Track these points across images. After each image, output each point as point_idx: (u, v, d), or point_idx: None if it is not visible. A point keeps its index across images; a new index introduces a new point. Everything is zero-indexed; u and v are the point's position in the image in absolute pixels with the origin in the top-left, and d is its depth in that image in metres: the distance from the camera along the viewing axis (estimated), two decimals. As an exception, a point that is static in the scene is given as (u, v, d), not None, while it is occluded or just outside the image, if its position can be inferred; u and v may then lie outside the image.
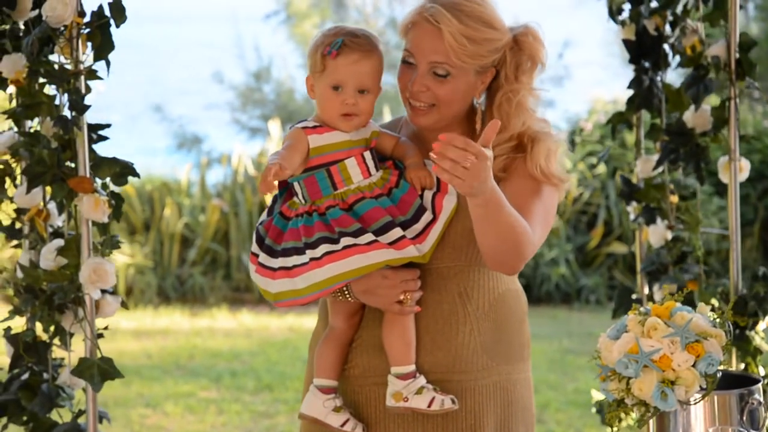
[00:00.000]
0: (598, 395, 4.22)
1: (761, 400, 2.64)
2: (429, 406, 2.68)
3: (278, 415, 6.91)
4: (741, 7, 3.71)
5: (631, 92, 3.96)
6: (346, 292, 2.68)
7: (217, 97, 14.76)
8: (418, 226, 2.66)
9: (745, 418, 2.61)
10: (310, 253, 2.60)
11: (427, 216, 2.67)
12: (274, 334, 9.40)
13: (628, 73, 4.05)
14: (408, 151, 2.74)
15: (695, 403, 2.58)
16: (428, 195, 2.69)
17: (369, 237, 2.59)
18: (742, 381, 2.73)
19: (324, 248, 2.59)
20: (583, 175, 10.96)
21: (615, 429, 3.92)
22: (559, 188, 2.78)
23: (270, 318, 10.13)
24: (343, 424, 2.72)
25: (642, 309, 2.65)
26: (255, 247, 2.71)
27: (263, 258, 2.67)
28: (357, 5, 14.77)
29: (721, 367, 2.60)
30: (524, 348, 2.88)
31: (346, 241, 2.59)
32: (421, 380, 2.70)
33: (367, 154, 2.69)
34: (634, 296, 4.05)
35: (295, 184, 2.67)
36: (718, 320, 2.62)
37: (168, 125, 14.44)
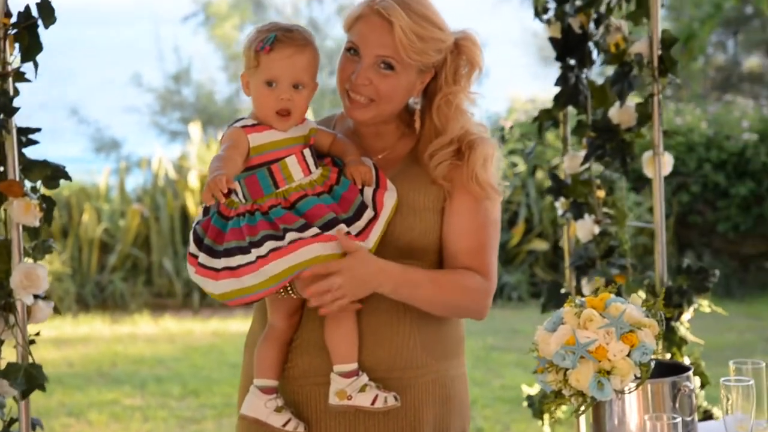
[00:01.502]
0: (528, 390, 4.27)
1: (691, 387, 2.69)
2: (372, 403, 2.69)
3: (205, 420, 6.87)
4: (662, 5, 3.77)
5: (557, 90, 4.00)
6: (290, 289, 2.67)
7: (135, 100, 14.62)
8: (360, 224, 2.67)
9: (677, 404, 2.66)
10: (255, 252, 2.58)
11: (368, 213, 2.68)
12: (198, 339, 9.34)
13: (545, 72, 4.11)
14: (346, 148, 2.75)
15: (631, 392, 2.62)
16: (368, 192, 2.70)
17: (314, 230, 2.58)
18: (672, 369, 2.79)
19: (270, 245, 2.57)
20: (504, 173, 11.05)
21: (548, 421, 3.98)
22: (497, 201, 2.81)
23: (193, 323, 10.07)
24: (284, 424, 2.72)
25: (578, 301, 2.69)
26: (193, 248, 2.68)
27: (203, 258, 2.64)
28: (277, 6, 14.74)
29: (653, 357, 2.65)
30: (460, 344, 2.91)
31: (291, 236, 2.58)
32: (364, 378, 2.70)
33: (307, 152, 2.68)
34: (562, 290, 4.10)
35: (235, 184, 2.65)
36: (650, 311, 2.67)
37: (85, 128, 14.27)
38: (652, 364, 2.61)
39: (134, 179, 11.80)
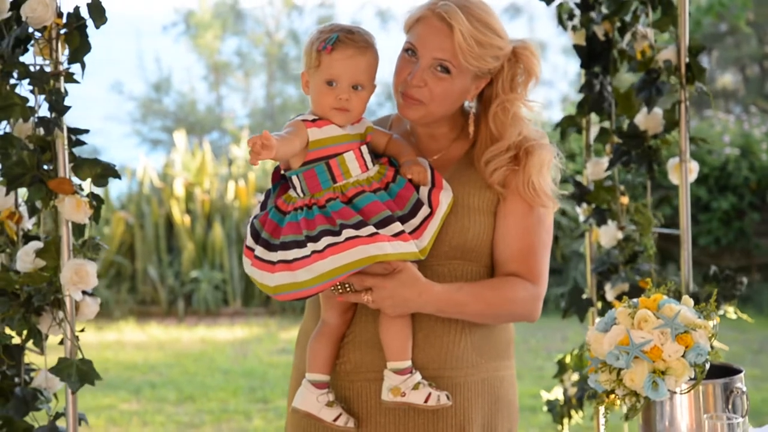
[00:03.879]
0: (547, 395, 4.30)
1: (743, 389, 2.72)
2: (426, 401, 2.71)
3: (203, 425, 6.86)
4: (690, 13, 3.83)
5: (581, 96, 4.05)
6: (347, 286, 2.70)
7: (116, 109, 14.58)
8: (415, 221, 2.69)
9: (730, 406, 2.69)
10: (311, 246, 2.60)
11: (424, 211, 2.70)
12: (187, 346, 9.32)
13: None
14: (402, 148, 2.78)
15: (685, 393, 2.65)
16: (424, 191, 2.73)
17: (370, 229, 2.60)
18: (725, 371, 2.82)
19: (326, 240, 2.59)
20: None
21: (568, 426, 4.01)
22: (549, 209, 2.84)
23: (179, 330, 10.05)
24: (335, 419, 2.74)
25: (631, 302, 2.72)
26: (250, 241, 2.69)
27: (260, 252, 2.66)
28: (257, 17, 14.75)
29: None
30: (509, 345, 2.93)
31: (348, 232, 2.59)
32: (418, 376, 2.72)
33: (364, 149, 2.71)
34: (584, 296, 4.14)
35: (294, 178, 2.68)
36: (703, 312, 2.71)
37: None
38: (707, 365, 2.65)
39: (118, 187, 11.76)
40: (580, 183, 4.12)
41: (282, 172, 2.77)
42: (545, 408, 4.27)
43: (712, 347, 3.81)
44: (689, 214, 3.85)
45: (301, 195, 2.68)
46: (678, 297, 3.86)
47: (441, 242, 2.75)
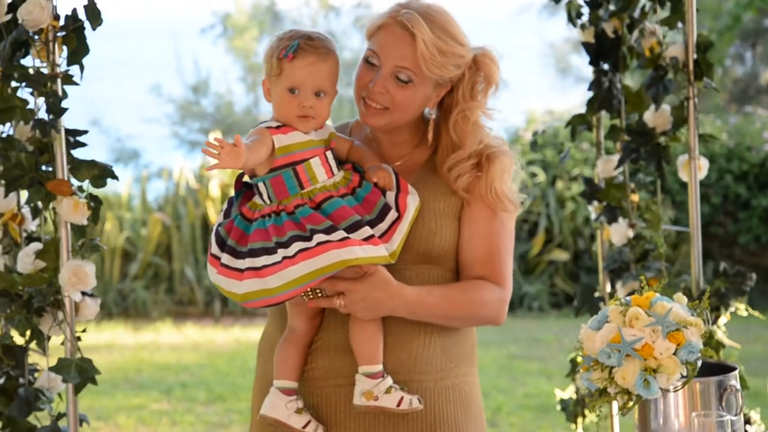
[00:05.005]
0: (561, 394, 4.28)
1: (738, 386, 2.71)
2: (398, 405, 2.72)
3: (232, 425, 6.90)
4: (697, 10, 3.80)
5: (576, 100, 4.03)
6: (318, 291, 2.70)
7: (155, 111, 14.69)
8: (383, 225, 2.70)
9: (723, 404, 2.67)
10: (282, 252, 2.60)
11: (392, 215, 2.71)
12: (221, 347, 9.37)
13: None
14: (365, 154, 2.79)
15: (677, 390, 2.64)
16: (390, 195, 2.74)
17: (341, 234, 2.61)
18: (717, 369, 2.81)
19: (297, 246, 2.59)
20: (523, 184, 11.06)
21: (594, 417, 3.98)
22: (512, 214, 2.85)
23: (215, 331, 10.10)
24: (305, 426, 2.73)
25: (622, 299, 2.71)
26: (215, 249, 2.69)
27: (226, 259, 2.65)
28: (294, 18, 14.80)
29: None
30: (473, 350, 2.95)
31: (319, 237, 2.60)
32: (389, 380, 2.73)
33: (329, 154, 2.72)
34: (596, 294, 4.12)
35: (260, 185, 2.68)
36: (695, 310, 2.69)
37: (105, 139, 14.34)
38: (699, 362, 2.63)
39: (155, 188, 11.83)
40: (591, 181, 4.10)
41: (245, 179, 2.77)
42: (558, 407, 4.25)
43: (721, 345, 3.79)
44: (699, 211, 3.82)
45: (268, 202, 2.68)
46: (689, 295, 3.84)
47: (408, 247, 2.76)
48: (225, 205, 2.78)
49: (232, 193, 2.80)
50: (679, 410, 2.67)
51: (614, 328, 2.64)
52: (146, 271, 11.12)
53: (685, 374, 2.61)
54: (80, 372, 3.08)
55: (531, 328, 9.91)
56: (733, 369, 2.78)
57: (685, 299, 2.71)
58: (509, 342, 9.20)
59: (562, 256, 10.92)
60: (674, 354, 2.60)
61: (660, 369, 2.60)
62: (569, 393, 4.24)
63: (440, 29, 2.71)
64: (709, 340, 3.77)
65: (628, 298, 2.71)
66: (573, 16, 4.07)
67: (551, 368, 8.09)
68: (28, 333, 3.17)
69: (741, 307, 3.81)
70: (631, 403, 2.64)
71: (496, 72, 2.81)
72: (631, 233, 4.02)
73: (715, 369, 2.82)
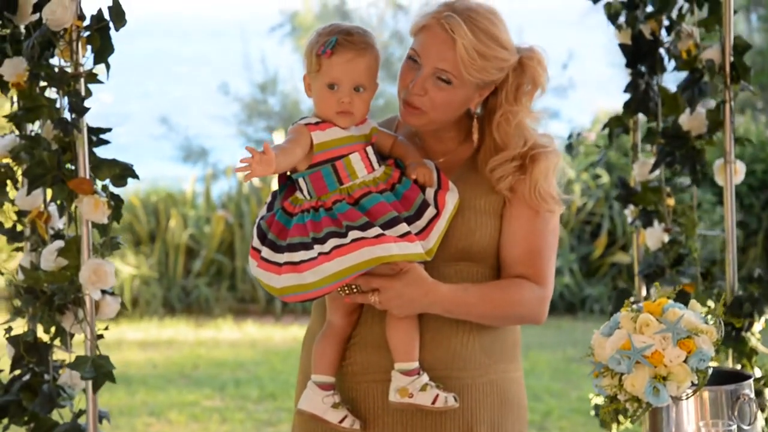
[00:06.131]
0: (597, 399, 4.24)
1: (752, 396, 2.66)
2: (433, 403, 2.71)
3: (281, 423, 6.94)
4: (735, 11, 3.74)
5: (627, 96, 3.99)
6: (354, 288, 2.70)
7: (222, 110, 14.79)
8: (421, 223, 2.70)
9: (736, 413, 2.63)
10: (318, 248, 2.61)
11: (430, 212, 2.70)
12: (278, 345, 9.42)
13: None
14: (407, 150, 2.79)
15: (687, 398, 2.60)
16: (430, 192, 2.73)
17: (377, 230, 2.61)
18: (735, 378, 2.76)
19: (332, 242, 2.61)
20: (586, 185, 10.99)
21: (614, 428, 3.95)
22: (556, 213, 2.83)
23: (274, 329, 10.16)
24: (341, 421, 2.75)
25: (635, 306, 2.68)
26: (257, 242, 2.72)
27: (266, 253, 2.68)
28: (362, 17, 14.80)
29: (713, 364, 2.63)
30: (516, 347, 2.92)
31: (354, 234, 2.61)
32: (425, 377, 2.73)
33: (370, 150, 2.73)
34: (631, 299, 4.07)
35: (300, 180, 2.70)
36: (709, 317, 2.65)
37: (174, 137, 14.47)
38: (710, 370, 2.59)
39: (219, 186, 11.92)
40: (627, 184, 4.06)
41: (288, 174, 2.79)
42: (592, 412, 4.21)
43: (754, 352, 3.73)
44: (734, 216, 3.77)
45: (308, 197, 2.70)
46: (723, 301, 3.77)
47: (447, 244, 2.74)
48: (269, 198, 2.81)
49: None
50: (690, 419, 2.64)
51: (624, 335, 2.62)
52: (209, 268, 11.22)
53: (696, 382, 2.57)
54: (97, 369, 3.11)
55: (591, 331, 9.78)
56: (747, 378, 2.73)
57: (699, 306, 2.68)
58: (567, 344, 9.13)
59: (624, 258, 10.81)
60: (685, 361, 2.57)
61: (670, 377, 2.57)
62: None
63: (483, 32, 2.69)
64: (742, 347, 3.72)
65: (640, 304, 2.68)
66: (612, 17, 4.03)
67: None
68: (52, 330, 3.22)
69: (777, 315, 3.75)
70: (640, 411, 2.62)
71: (542, 75, 2.78)
72: (666, 238, 3.97)
73: (731, 377, 2.77)
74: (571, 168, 10.66)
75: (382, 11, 14.98)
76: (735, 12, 3.74)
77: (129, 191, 11.30)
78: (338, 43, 2.67)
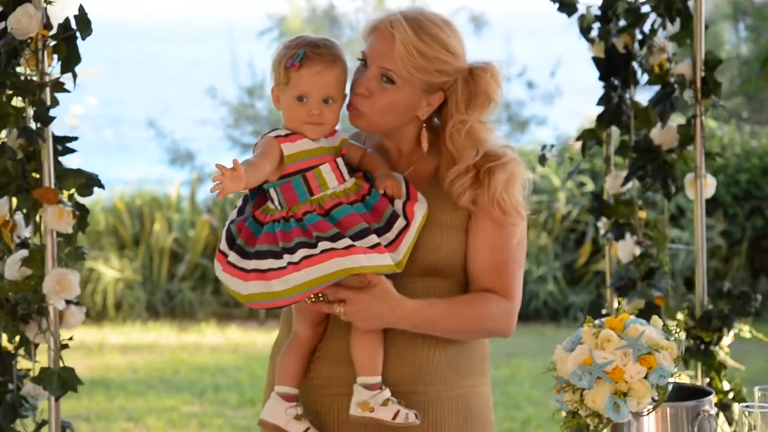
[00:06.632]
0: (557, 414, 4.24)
1: (712, 412, 2.66)
2: (394, 418, 2.71)
3: (259, 429, 6.92)
4: (706, 27, 3.76)
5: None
6: (321, 295, 2.70)
7: (210, 113, 14.79)
8: (390, 235, 2.70)
9: (696, 429, 2.63)
10: (288, 258, 2.62)
11: (399, 223, 2.71)
12: (260, 350, 9.41)
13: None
14: (376, 162, 2.79)
15: (647, 415, 2.60)
16: (398, 203, 2.73)
17: (347, 242, 2.62)
18: (696, 393, 2.76)
19: (302, 252, 2.61)
20: (571, 193, 11.00)
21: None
22: (520, 225, 2.82)
23: (257, 334, 10.15)
24: None
25: (597, 321, 2.68)
26: (224, 246, 2.71)
27: (233, 258, 2.67)
28: (350, 22, 14.80)
29: (673, 380, 2.63)
30: (484, 361, 2.92)
31: (323, 245, 2.61)
32: (387, 392, 2.72)
33: (340, 161, 2.73)
34: (603, 311, 4.08)
35: (271, 191, 2.70)
36: (672, 332, 2.65)
37: (161, 140, 14.46)
38: (670, 387, 2.59)
39: (205, 190, 11.90)
40: (599, 196, 4.06)
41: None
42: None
43: (723, 366, 3.73)
44: (704, 230, 3.77)
45: (279, 208, 2.70)
46: (693, 316, 3.78)
47: (414, 260, 2.74)
48: (239, 202, 2.81)
49: None
50: (651, 435, 2.64)
51: (586, 350, 2.62)
52: (193, 272, 11.21)
53: (656, 398, 2.58)
54: (61, 382, 3.10)
55: (574, 339, 9.81)
56: (708, 393, 2.73)
57: (660, 322, 2.68)
58: (549, 352, 9.03)
59: (608, 266, 10.82)
60: (645, 378, 2.57)
61: (630, 393, 2.57)
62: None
63: (425, 33, 2.70)
64: (711, 361, 3.72)
65: (602, 320, 2.68)
66: (585, 30, 4.03)
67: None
68: (16, 339, 3.21)
69: (745, 329, 3.76)
70: (601, 426, 2.62)
71: (495, 89, 2.78)
72: (637, 251, 3.97)
73: (692, 393, 2.77)
74: (556, 176, 10.68)
75: (371, 16, 15.00)
76: (707, 27, 3.75)
77: (114, 195, 11.29)
78: (306, 56, 2.67)
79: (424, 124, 2.81)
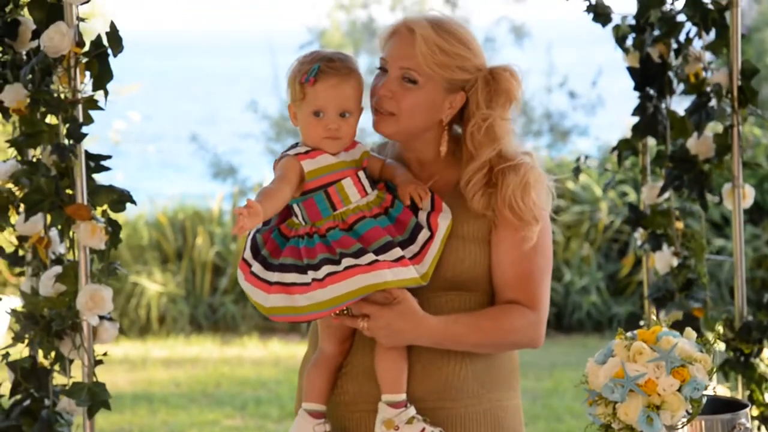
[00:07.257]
0: (591, 427, 4.21)
1: (748, 425, 2.63)
2: None
3: (299, 443, 6.92)
4: (743, 36, 3.72)
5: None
6: (345, 310, 2.69)
7: (251, 127, 14.85)
8: (415, 247, 2.69)
9: (731, 443, 2.60)
10: (312, 274, 2.61)
11: (423, 234, 2.69)
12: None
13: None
14: (396, 170, 2.78)
15: (681, 428, 2.57)
16: (422, 215, 2.72)
17: (370, 257, 2.61)
18: (731, 406, 2.73)
19: (326, 269, 2.61)
20: (613, 203, 10.93)
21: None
22: (543, 227, 2.77)
23: (299, 347, 10.15)
24: None
25: (629, 334, 2.66)
26: (248, 255, 2.71)
27: (257, 268, 2.67)
28: (390, 35, 14.84)
29: (708, 392, 2.60)
30: (513, 374, 2.89)
31: (347, 261, 2.61)
32: (412, 410, 2.71)
33: (361, 174, 2.72)
34: (641, 323, 4.05)
35: (295, 206, 2.70)
36: (705, 344, 2.62)
37: (203, 155, 14.52)
38: (704, 399, 2.57)
39: (247, 204, 11.91)
40: (635, 207, 4.03)
41: None
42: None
43: (764, 379, 3.69)
44: (743, 241, 3.73)
45: (303, 223, 2.70)
46: (731, 326, 3.74)
47: (437, 275, 2.72)
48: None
49: None
50: (686, 449, 2.61)
51: (618, 363, 2.60)
52: (236, 285, 11.22)
53: (690, 411, 2.55)
54: (92, 397, 3.11)
55: (617, 351, 9.74)
56: (744, 406, 2.70)
57: (694, 334, 2.65)
58: (592, 364, 9.06)
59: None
60: (678, 390, 2.54)
61: (664, 405, 2.54)
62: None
63: (445, 31, 2.71)
64: (751, 373, 3.68)
65: (634, 332, 2.65)
66: (620, 40, 4.01)
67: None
68: (52, 355, 3.23)
69: (785, 341, 3.71)
70: (634, 440, 2.59)
71: (516, 87, 2.76)
72: (675, 261, 3.94)
73: (727, 406, 2.74)
74: (598, 186, 10.62)
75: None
76: (743, 36, 3.71)
77: (157, 209, 11.35)
78: (321, 71, 2.67)
79: (446, 127, 2.80)
